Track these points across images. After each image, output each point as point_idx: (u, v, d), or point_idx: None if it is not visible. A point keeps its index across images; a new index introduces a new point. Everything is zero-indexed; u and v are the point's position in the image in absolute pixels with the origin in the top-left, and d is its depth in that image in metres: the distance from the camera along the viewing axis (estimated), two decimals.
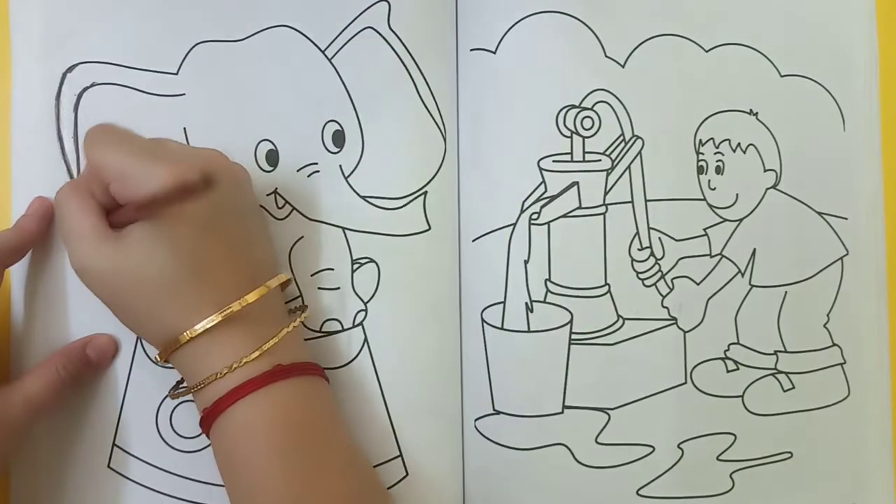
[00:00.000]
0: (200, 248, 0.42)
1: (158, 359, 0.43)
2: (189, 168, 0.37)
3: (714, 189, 0.52)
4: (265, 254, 0.46)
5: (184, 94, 0.49)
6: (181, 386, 0.45)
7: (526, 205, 0.50)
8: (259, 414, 0.41)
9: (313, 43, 0.50)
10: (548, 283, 0.50)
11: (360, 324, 0.49)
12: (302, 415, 0.43)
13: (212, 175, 0.36)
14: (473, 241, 0.51)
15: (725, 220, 0.52)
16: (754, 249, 0.52)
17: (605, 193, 0.51)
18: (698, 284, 0.52)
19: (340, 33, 0.50)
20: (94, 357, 0.47)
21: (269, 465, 0.41)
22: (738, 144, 0.52)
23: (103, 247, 0.41)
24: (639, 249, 0.51)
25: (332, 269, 0.49)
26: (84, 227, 0.41)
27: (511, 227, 0.50)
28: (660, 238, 0.51)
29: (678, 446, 0.51)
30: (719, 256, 0.52)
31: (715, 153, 0.52)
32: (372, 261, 0.49)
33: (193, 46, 0.49)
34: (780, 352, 0.52)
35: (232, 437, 0.42)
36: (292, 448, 0.41)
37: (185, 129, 0.49)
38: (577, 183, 0.51)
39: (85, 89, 0.48)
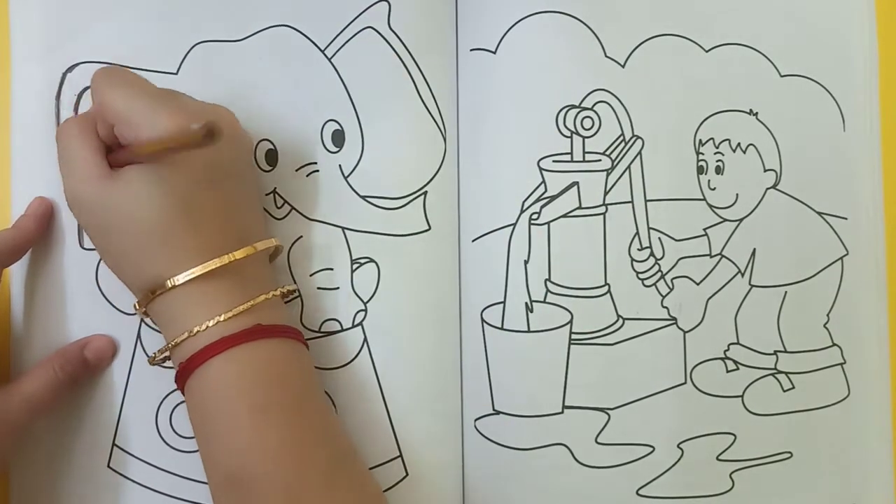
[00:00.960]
0: (195, 199, 0.41)
1: (137, 307, 0.43)
2: (194, 119, 0.37)
3: (714, 189, 0.52)
4: (256, 219, 0.46)
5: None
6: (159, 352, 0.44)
7: (526, 205, 0.50)
8: (236, 370, 0.41)
9: (313, 42, 0.50)
10: (548, 283, 0.50)
11: (360, 324, 0.49)
12: (279, 376, 0.42)
13: (216, 129, 0.36)
14: (473, 241, 0.51)
15: (725, 220, 0.52)
16: (754, 249, 0.52)
17: (605, 193, 0.51)
18: (698, 284, 0.52)
19: (340, 33, 0.50)
20: (91, 359, 0.47)
21: (243, 421, 0.40)
22: (738, 144, 0.52)
23: (99, 181, 0.41)
24: (639, 249, 0.51)
25: (332, 269, 0.49)
26: (82, 158, 0.41)
27: (511, 227, 0.50)
28: (660, 238, 0.51)
29: (678, 446, 0.51)
30: (719, 256, 0.52)
31: (715, 153, 0.52)
32: (372, 261, 0.49)
33: (193, 46, 0.49)
34: (780, 352, 0.52)
35: (206, 392, 0.41)
36: (268, 406, 0.41)
37: None
38: (577, 183, 0.51)
39: (85, 89, 0.48)
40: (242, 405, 0.40)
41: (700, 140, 0.52)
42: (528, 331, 0.50)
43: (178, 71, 0.49)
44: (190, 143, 0.36)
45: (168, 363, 0.44)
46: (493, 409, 0.50)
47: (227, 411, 0.40)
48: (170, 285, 0.41)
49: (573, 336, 0.50)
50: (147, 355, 0.48)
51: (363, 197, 0.49)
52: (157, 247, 0.41)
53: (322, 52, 0.50)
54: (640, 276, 0.51)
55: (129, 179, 0.41)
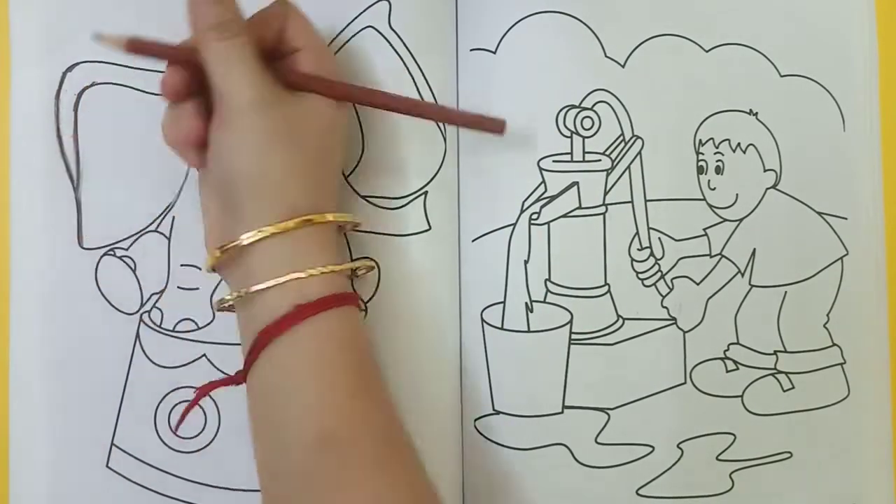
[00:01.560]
0: (321, 152, 0.43)
1: (218, 254, 0.42)
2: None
3: (714, 189, 0.52)
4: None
5: None
6: (227, 299, 0.43)
7: (526, 205, 0.50)
8: (330, 331, 0.41)
9: None
10: (548, 283, 0.50)
11: None
12: (364, 342, 0.43)
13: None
14: (473, 241, 0.51)
15: (725, 220, 0.52)
16: (754, 249, 0.52)
17: (605, 193, 0.51)
18: (698, 284, 0.52)
19: (341, 32, 0.50)
20: None
21: (340, 378, 0.40)
22: (738, 144, 0.52)
23: (273, 97, 0.41)
24: (638, 249, 0.51)
25: None
26: (250, 75, 0.41)
27: (511, 227, 0.50)
28: (660, 238, 0.51)
29: (678, 446, 0.51)
30: (719, 256, 0.52)
31: (715, 153, 0.52)
32: (372, 261, 0.49)
33: None
34: (780, 352, 0.52)
35: (300, 350, 0.40)
36: (360, 368, 0.41)
37: None
38: (577, 183, 0.51)
39: (85, 89, 0.48)
40: (339, 364, 0.40)
41: (700, 140, 0.52)
42: (528, 331, 0.50)
43: None
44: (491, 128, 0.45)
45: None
46: (493, 409, 0.50)
47: (325, 368, 0.40)
48: (268, 233, 0.40)
49: (573, 336, 0.50)
50: (147, 355, 0.48)
51: (363, 196, 0.49)
52: (301, 178, 0.42)
53: None
54: (640, 276, 0.51)
55: (309, 103, 0.42)
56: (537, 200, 0.50)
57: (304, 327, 0.40)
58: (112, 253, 0.48)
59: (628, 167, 0.51)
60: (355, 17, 0.50)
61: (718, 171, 0.52)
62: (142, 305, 0.49)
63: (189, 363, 0.49)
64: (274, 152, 0.41)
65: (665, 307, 0.51)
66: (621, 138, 0.51)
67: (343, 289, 0.42)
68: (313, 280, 0.41)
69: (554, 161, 0.50)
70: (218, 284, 0.49)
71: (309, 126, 0.42)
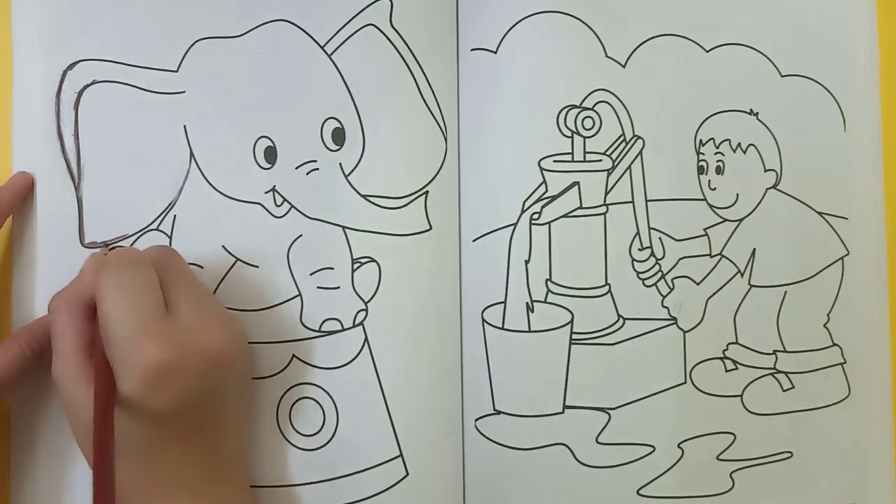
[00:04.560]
0: (172, 423, 0.41)
1: None
2: (179, 354, 0.39)
3: (714, 189, 0.52)
4: (241, 446, 0.46)
5: (183, 92, 0.49)
6: None
7: (527, 205, 0.50)
8: None
9: (312, 39, 0.50)
10: (548, 282, 0.50)
11: (361, 323, 0.49)
12: None
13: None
14: (474, 240, 0.51)
15: (725, 220, 0.52)
16: (754, 249, 0.52)
17: (606, 193, 0.51)
18: (698, 284, 0.52)
19: (341, 29, 0.49)
20: None
21: None
22: (739, 144, 0.52)
23: (78, 375, 0.41)
24: (639, 249, 0.51)
25: (332, 269, 0.49)
26: (67, 344, 0.42)
27: (512, 227, 0.50)
28: (660, 238, 0.51)
29: (678, 446, 0.51)
30: (719, 256, 0.52)
31: (715, 153, 0.52)
32: (373, 260, 0.49)
33: (193, 43, 0.49)
34: (780, 351, 0.52)
35: None
36: None
37: (185, 126, 0.48)
38: (577, 183, 0.51)
39: (85, 87, 0.48)
40: None
41: (700, 140, 0.52)
42: (529, 331, 0.50)
43: (178, 68, 0.49)
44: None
45: None
46: (494, 409, 0.50)
47: None
48: None
49: (574, 336, 0.50)
50: None
51: (364, 196, 0.49)
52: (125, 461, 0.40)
53: (322, 48, 0.50)
54: (641, 276, 0.51)
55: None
56: (538, 200, 0.50)
57: None
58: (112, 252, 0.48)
59: (629, 167, 0.51)
60: (356, 15, 0.49)
61: (719, 171, 0.52)
62: None
63: None
64: None
65: (665, 307, 0.51)
66: (622, 138, 0.51)
67: None
68: None
69: (555, 161, 0.50)
70: (220, 284, 0.49)
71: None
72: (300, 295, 0.49)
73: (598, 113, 0.51)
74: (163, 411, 0.40)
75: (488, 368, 0.50)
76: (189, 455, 0.42)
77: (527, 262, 0.50)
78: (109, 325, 0.40)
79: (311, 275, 0.49)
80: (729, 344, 0.52)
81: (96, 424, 0.38)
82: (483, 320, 0.50)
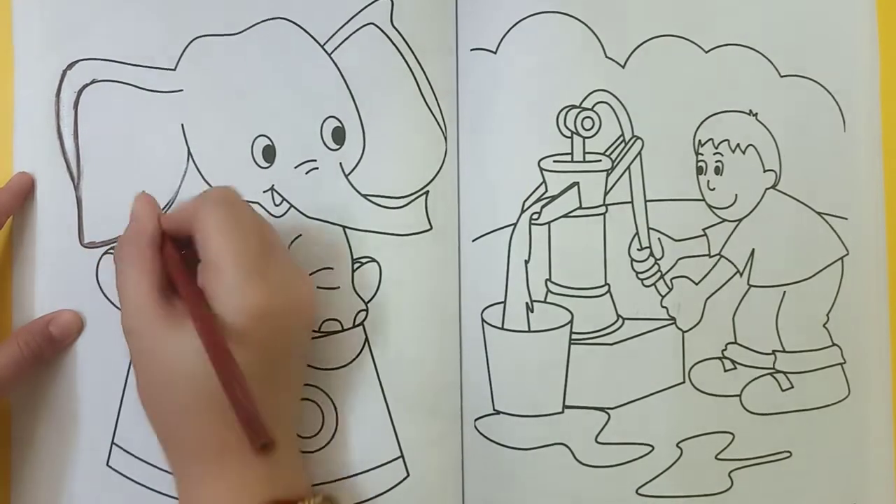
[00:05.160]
0: (257, 372, 0.39)
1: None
2: (276, 300, 0.39)
3: (713, 189, 0.52)
4: (298, 404, 0.46)
5: (182, 90, 0.49)
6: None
7: (526, 205, 0.50)
8: None
9: (312, 37, 0.49)
10: (548, 282, 0.50)
11: (361, 324, 0.49)
12: None
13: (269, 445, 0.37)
14: (474, 240, 0.51)
15: (724, 220, 0.52)
16: (753, 250, 0.52)
17: (605, 194, 0.51)
18: (697, 284, 0.52)
19: (341, 28, 0.49)
20: (56, 334, 0.46)
21: None
22: (738, 145, 0.52)
23: (155, 322, 0.39)
24: (638, 249, 0.51)
25: (332, 268, 0.49)
26: (137, 289, 0.40)
27: (511, 227, 0.50)
28: (659, 238, 0.51)
29: (677, 445, 0.51)
30: (718, 256, 0.52)
31: (714, 153, 0.52)
32: (373, 260, 0.49)
33: (191, 41, 0.49)
34: (779, 351, 0.52)
35: None
36: None
37: (182, 125, 0.48)
38: (577, 183, 0.51)
39: (85, 86, 0.48)
40: None
41: (699, 140, 0.52)
42: (529, 331, 0.50)
43: (176, 67, 0.49)
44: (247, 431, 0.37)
45: None
46: (494, 409, 0.50)
47: None
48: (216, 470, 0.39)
49: (573, 336, 0.50)
50: None
51: (365, 196, 0.49)
52: (205, 418, 0.39)
53: (322, 47, 0.50)
54: (640, 276, 0.51)
55: (190, 334, 0.38)
56: (538, 200, 0.50)
57: None
58: (112, 251, 0.48)
59: (628, 167, 0.51)
60: (356, 14, 0.49)
61: (718, 171, 0.52)
62: None
63: None
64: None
65: (664, 307, 0.51)
66: (621, 138, 0.51)
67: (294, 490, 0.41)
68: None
69: (554, 161, 0.50)
70: None
71: (179, 364, 0.39)
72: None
73: (597, 113, 0.51)
74: (247, 358, 0.38)
75: (488, 368, 0.50)
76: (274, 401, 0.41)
77: (526, 261, 0.50)
78: (218, 263, 0.39)
79: (310, 274, 0.49)
80: (728, 344, 0.52)
81: (216, 360, 0.37)
82: (483, 320, 0.50)
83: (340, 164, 0.49)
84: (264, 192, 0.49)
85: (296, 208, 0.49)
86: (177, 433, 0.40)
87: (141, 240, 0.42)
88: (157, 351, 0.39)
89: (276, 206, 0.49)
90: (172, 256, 0.42)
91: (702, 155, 0.52)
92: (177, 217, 0.42)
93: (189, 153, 0.48)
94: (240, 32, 0.49)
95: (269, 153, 0.49)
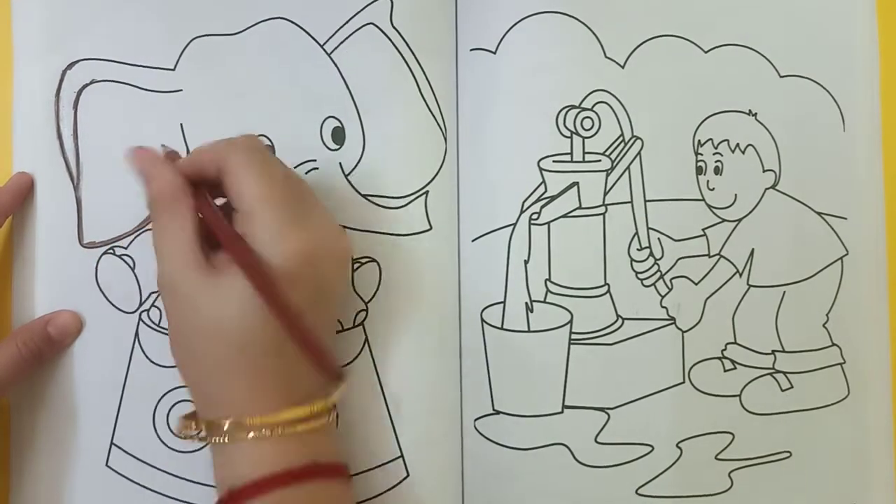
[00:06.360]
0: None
1: (194, 432, 0.40)
2: (316, 248, 0.38)
3: (713, 189, 0.52)
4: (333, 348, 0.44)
5: (181, 90, 0.49)
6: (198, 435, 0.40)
7: (526, 205, 0.50)
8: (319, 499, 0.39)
9: (311, 37, 0.49)
10: (548, 282, 0.50)
11: (361, 324, 0.49)
12: None
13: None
14: (473, 240, 0.51)
15: (724, 220, 0.52)
16: (752, 250, 0.52)
17: (605, 194, 0.51)
18: (697, 284, 0.52)
19: (340, 28, 0.49)
20: (55, 335, 0.46)
21: None
22: (738, 145, 0.52)
23: (196, 274, 0.39)
24: (638, 249, 0.51)
25: None
26: (179, 243, 0.39)
27: (511, 227, 0.50)
28: (659, 238, 0.51)
29: (677, 445, 0.51)
30: (718, 256, 0.52)
31: (714, 153, 0.52)
32: (373, 260, 0.49)
33: (190, 41, 0.49)
34: (778, 351, 0.52)
35: None
36: None
37: (181, 125, 0.49)
38: (576, 183, 0.51)
39: (84, 86, 0.48)
40: None
41: (699, 140, 0.52)
42: (528, 331, 0.50)
43: (175, 67, 0.49)
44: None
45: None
46: (493, 409, 0.50)
47: None
48: (249, 423, 0.38)
49: (573, 336, 0.50)
50: (145, 355, 0.48)
51: (364, 196, 0.49)
52: (244, 369, 0.38)
53: (321, 47, 0.49)
54: (640, 276, 0.51)
55: (233, 282, 0.38)
56: (537, 200, 0.50)
57: (282, 494, 0.38)
58: (111, 251, 0.48)
59: (628, 167, 0.51)
60: (356, 14, 0.49)
61: (717, 171, 0.52)
62: (141, 304, 0.48)
63: None
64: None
65: (664, 307, 0.51)
66: (621, 139, 0.51)
67: (331, 458, 0.41)
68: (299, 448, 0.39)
69: (554, 161, 0.50)
70: None
71: (224, 312, 0.38)
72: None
73: (597, 113, 0.51)
74: (293, 301, 0.38)
75: (487, 368, 0.50)
76: (286, 360, 0.40)
77: (526, 262, 0.50)
78: (257, 209, 0.39)
79: None
80: (727, 344, 0.52)
81: (273, 302, 0.37)
82: (482, 320, 0.50)
83: (340, 164, 0.49)
84: None
85: None
86: (215, 384, 0.40)
87: (175, 193, 0.41)
88: (201, 302, 0.38)
89: None
90: (208, 206, 0.41)
91: (701, 155, 0.52)
92: (197, 161, 0.42)
93: (188, 153, 0.48)
94: (239, 32, 0.49)
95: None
